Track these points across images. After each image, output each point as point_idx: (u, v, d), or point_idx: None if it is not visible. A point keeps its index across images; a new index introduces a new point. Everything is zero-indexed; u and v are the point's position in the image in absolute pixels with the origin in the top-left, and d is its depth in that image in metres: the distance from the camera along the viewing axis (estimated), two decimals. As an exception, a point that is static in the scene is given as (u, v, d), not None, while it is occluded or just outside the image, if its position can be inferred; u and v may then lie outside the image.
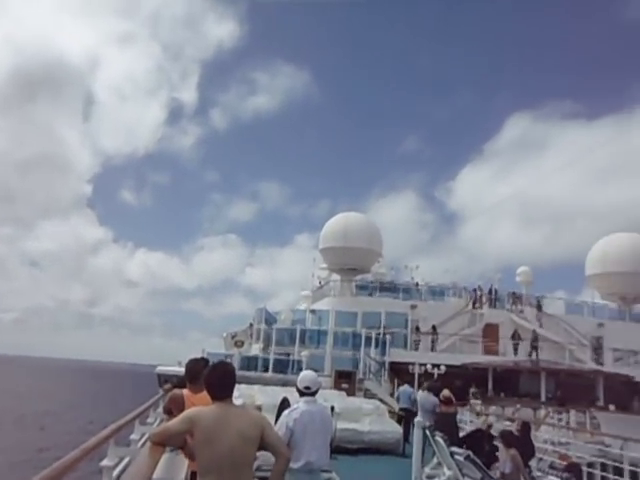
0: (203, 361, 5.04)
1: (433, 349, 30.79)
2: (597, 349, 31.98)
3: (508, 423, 11.70)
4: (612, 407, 25.61)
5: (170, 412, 4.42)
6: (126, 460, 5.94)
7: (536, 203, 72.37)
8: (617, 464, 10.39)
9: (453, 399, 11.65)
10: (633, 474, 9.55)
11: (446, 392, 11.57)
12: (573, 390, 27.49)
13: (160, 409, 9.52)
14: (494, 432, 12.83)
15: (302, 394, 4.85)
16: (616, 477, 10.28)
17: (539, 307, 34.43)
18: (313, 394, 4.85)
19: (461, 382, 23.48)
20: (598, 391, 28.95)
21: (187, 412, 3.31)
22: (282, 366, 27.12)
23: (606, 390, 28.86)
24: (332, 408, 11.50)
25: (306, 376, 4.98)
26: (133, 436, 7.38)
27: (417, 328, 31.55)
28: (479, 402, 21.70)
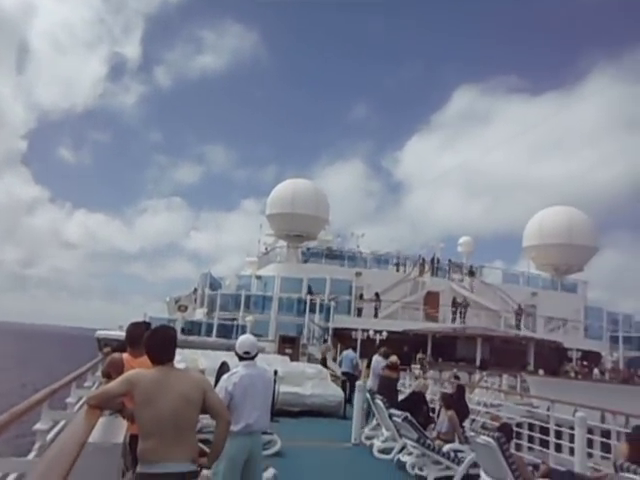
0: (145, 325, 4.91)
1: (376, 316, 31.47)
2: (519, 315, 33.14)
3: (454, 380, 12.27)
4: (541, 371, 27.03)
5: (109, 376, 4.31)
6: (61, 424, 5.78)
7: (479, 175, 74.56)
8: (544, 424, 11.01)
9: (398, 365, 11.99)
10: (558, 433, 10.16)
11: (394, 358, 11.86)
12: (507, 355, 28.84)
13: (99, 372, 9.31)
14: (432, 394, 13.35)
15: (241, 359, 4.84)
16: (542, 436, 10.91)
17: (472, 273, 35.63)
18: (252, 358, 4.84)
19: (408, 348, 24.23)
20: (529, 356, 30.48)
21: (126, 374, 3.25)
22: (226, 331, 27.06)
23: (537, 355, 30.41)
24: (275, 372, 11.62)
25: (245, 341, 4.96)
26: (69, 399, 7.18)
27: (361, 295, 32.12)
28: (418, 367, 22.45)
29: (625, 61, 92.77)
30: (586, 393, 17.40)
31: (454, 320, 32.38)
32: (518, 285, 36.34)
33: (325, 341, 26.97)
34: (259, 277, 32.72)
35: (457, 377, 16.33)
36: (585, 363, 30.57)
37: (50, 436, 5.49)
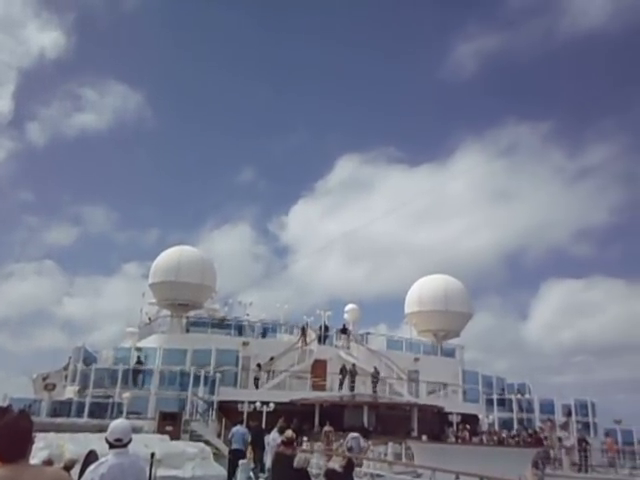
0: (1, 411, 4.36)
1: (263, 386, 30.73)
2: (375, 379, 32.38)
3: (353, 436, 11.83)
4: (424, 437, 27.53)
5: (-53, 476, 3.72)
6: None
7: (362, 241, 77.42)
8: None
9: (294, 440, 11.51)
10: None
11: (289, 433, 11.31)
12: (392, 422, 29.18)
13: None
14: (318, 469, 13.04)
15: (112, 446, 4.43)
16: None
17: (344, 331, 36.13)
18: (125, 446, 4.46)
19: (297, 419, 23.50)
20: (413, 422, 31.07)
21: (-32, 476, 2.81)
22: (100, 410, 24.91)
23: (420, 421, 31.07)
24: (152, 455, 10.77)
25: (117, 427, 4.56)
26: None
27: (258, 365, 31.27)
28: (305, 439, 21.98)
29: (487, 138, 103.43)
30: (466, 457, 17.91)
31: (341, 388, 32.40)
32: (401, 351, 37.46)
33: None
34: (139, 349, 30.92)
35: (364, 434, 15.87)
36: (468, 427, 31.59)
37: None
